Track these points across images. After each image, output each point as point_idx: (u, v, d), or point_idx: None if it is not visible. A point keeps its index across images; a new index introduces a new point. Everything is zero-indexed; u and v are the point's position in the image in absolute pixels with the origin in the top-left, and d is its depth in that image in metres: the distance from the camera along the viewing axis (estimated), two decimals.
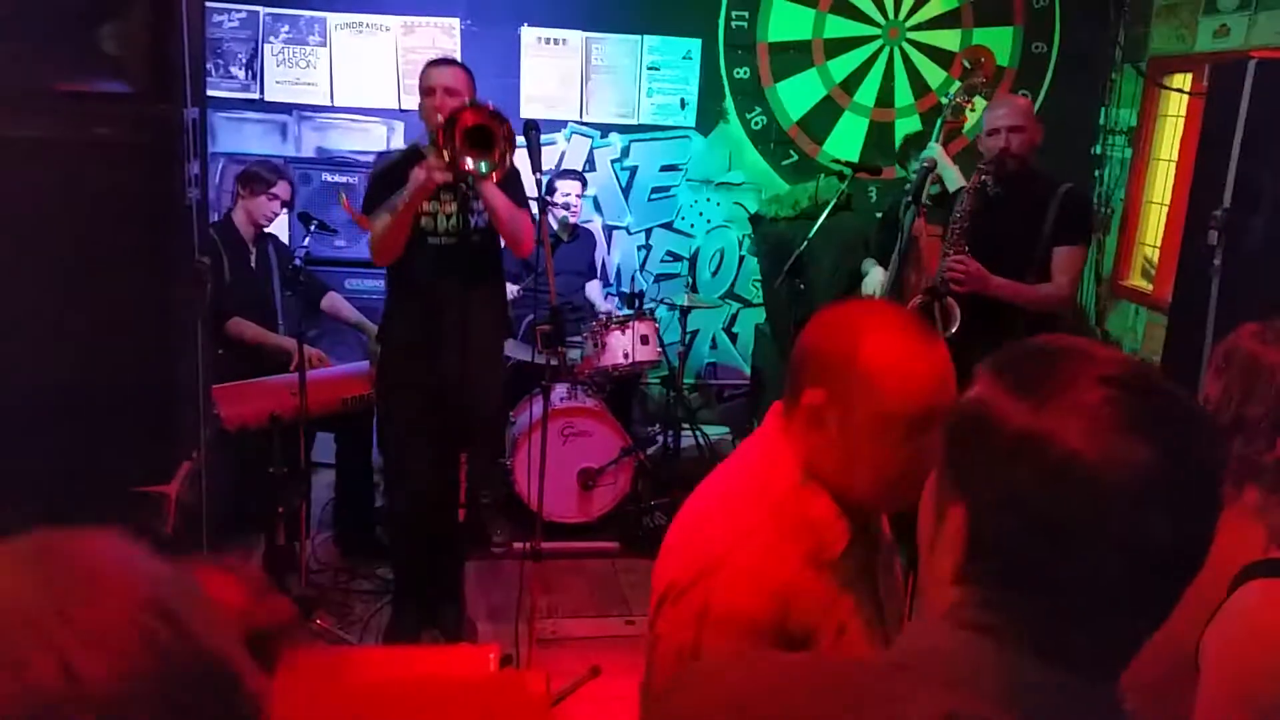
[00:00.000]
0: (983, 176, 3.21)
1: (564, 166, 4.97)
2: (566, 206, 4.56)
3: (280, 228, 4.26)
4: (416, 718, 1.56)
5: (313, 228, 3.64)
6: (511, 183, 3.17)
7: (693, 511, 1.34)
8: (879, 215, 5.06)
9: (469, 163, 2.91)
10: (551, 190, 4.57)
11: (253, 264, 3.95)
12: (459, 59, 4.87)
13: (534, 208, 3.23)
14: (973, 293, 3.16)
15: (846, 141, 5.26)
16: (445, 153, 2.89)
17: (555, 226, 4.59)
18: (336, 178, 4.62)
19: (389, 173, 3.15)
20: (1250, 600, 1.39)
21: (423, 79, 3.14)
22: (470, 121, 2.90)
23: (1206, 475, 0.73)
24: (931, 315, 3.01)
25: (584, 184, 4.76)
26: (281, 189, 3.92)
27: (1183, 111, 4.84)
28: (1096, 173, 5.31)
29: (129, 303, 2.18)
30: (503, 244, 3.27)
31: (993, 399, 0.76)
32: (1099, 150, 5.32)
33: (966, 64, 3.50)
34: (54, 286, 2.14)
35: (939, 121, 3.47)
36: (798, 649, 1.20)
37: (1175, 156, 4.87)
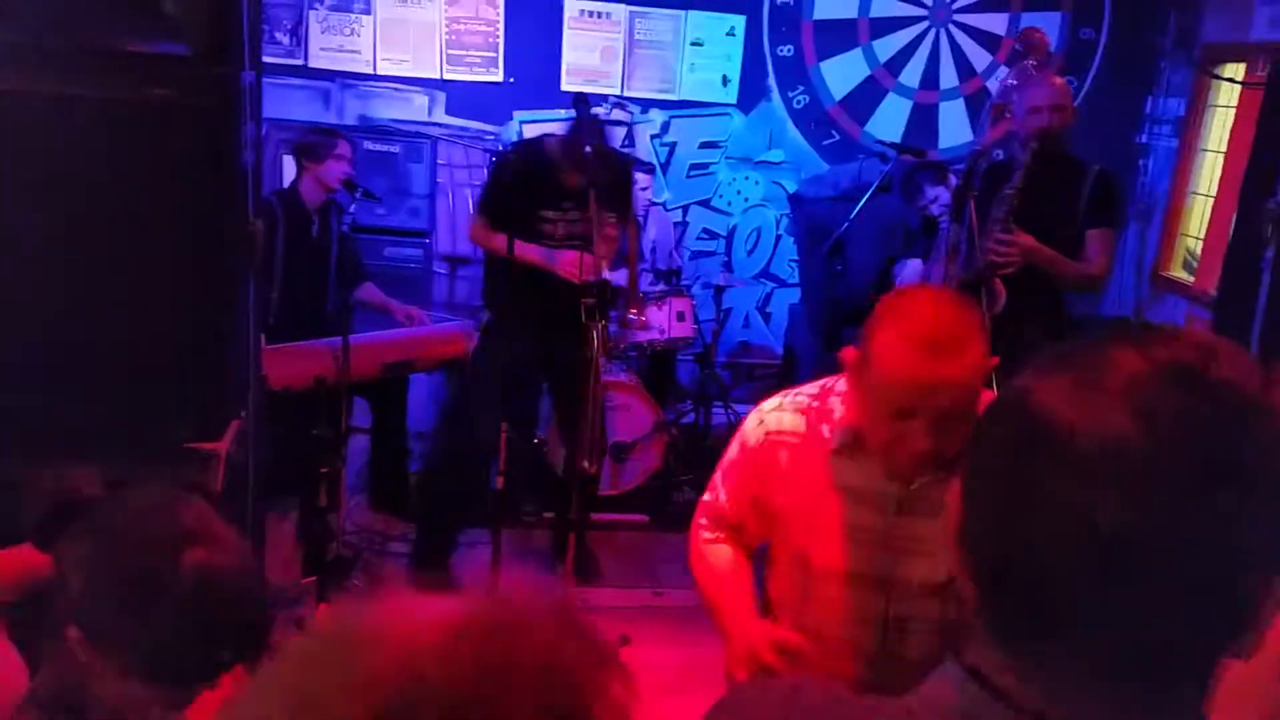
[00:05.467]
0: (1033, 155, 3.15)
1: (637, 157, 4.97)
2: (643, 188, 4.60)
3: None
4: None
5: (358, 194, 3.64)
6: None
7: None
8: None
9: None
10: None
11: (315, 232, 3.90)
12: (501, 28, 4.89)
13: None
14: (1020, 267, 3.12)
15: (889, 123, 5.22)
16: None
17: None
18: (379, 146, 4.63)
19: (513, 177, 3.49)
20: None
21: None
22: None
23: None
24: (978, 296, 2.97)
25: (653, 175, 4.77)
26: (343, 148, 3.86)
27: (1234, 102, 4.76)
28: (1140, 162, 5.25)
29: (183, 263, 2.21)
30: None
31: None
32: (1144, 139, 5.26)
33: (1018, 47, 3.44)
34: (109, 246, 2.16)
35: (988, 107, 3.42)
36: (771, 499, 1.61)
37: (1224, 147, 4.80)
